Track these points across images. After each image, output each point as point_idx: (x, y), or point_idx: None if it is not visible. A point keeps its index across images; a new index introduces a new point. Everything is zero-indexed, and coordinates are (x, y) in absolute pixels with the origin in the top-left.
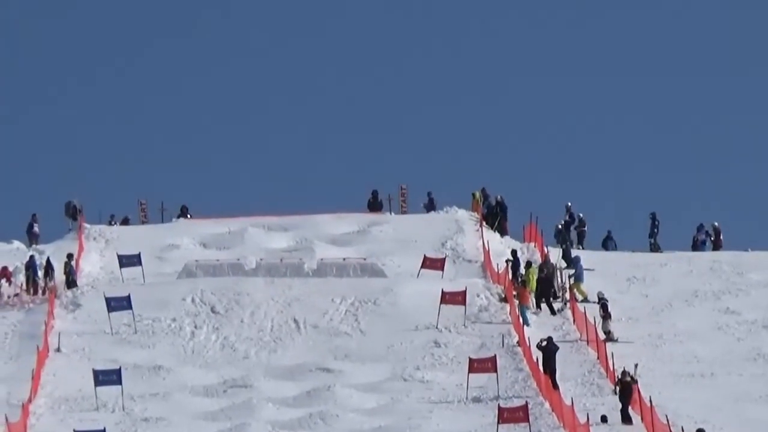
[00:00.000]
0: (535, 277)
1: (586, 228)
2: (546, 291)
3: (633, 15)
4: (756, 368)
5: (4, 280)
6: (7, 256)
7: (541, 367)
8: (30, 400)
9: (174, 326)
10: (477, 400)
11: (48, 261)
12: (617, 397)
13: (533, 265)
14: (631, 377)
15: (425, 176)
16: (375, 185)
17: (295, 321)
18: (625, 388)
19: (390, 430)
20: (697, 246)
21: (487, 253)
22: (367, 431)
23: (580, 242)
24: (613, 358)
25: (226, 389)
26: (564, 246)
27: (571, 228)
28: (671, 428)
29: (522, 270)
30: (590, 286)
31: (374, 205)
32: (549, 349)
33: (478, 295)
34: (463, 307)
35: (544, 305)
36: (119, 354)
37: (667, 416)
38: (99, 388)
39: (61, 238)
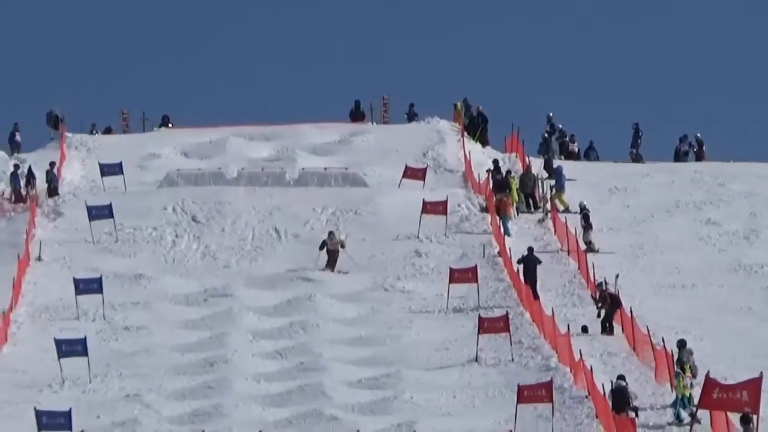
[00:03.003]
0: (516, 188)
1: (567, 138)
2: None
3: None
4: (737, 279)
5: None
6: None
7: (522, 278)
8: (11, 309)
9: (155, 235)
10: (457, 310)
11: (30, 170)
12: (599, 307)
13: (514, 175)
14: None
15: (407, 87)
16: (357, 96)
17: (276, 230)
18: (614, 299)
19: (370, 339)
20: (679, 157)
21: (468, 163)
22: (347, 340)
23: (562, 153)
24: (593, 268)
25: (206, 298)
26: (546, 156)
27: (553, 138)
28: (652, 339)
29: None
30: (572, 196)
31: (356, 115)
32: (530, 260)
33: (459, 205)
34: (444, 217)
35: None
36: (100, 262)
37: (647, 327)
38: (80, 297)
39: (42, 146)
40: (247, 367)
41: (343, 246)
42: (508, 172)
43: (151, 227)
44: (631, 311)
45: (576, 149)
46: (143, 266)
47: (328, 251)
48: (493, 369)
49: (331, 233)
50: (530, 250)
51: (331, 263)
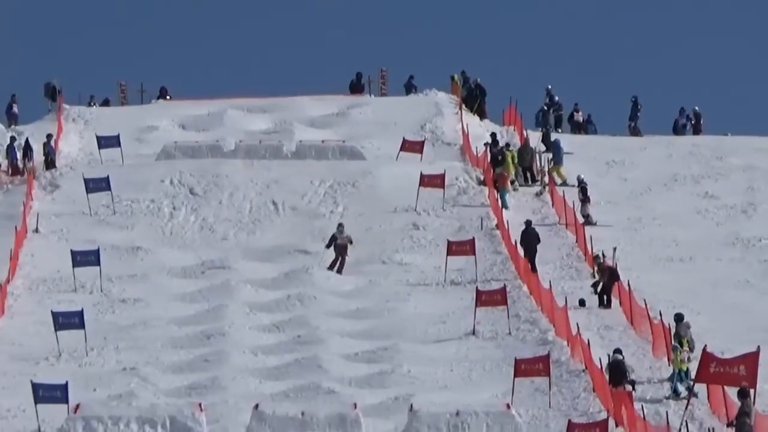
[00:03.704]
0: (515, 162)
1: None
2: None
3: None
4: (734, 253)
5: None
6: None
7: (521, 251)
8: (8, 281)
9: (152, 207)
10: (455, 283)
11: (27, 142)
12: (598, 281)
13: (512, 148)
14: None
15: (405, 59)
16: (355, 68)
17: (274, 203)
18: (612, 272)
19: (368, 312)
20: (677, 130)
21: (466, 136)
22: (344, 313)
23: (559, 126)
24: (591, 241)
25: (204, 271)
26: (544, 129)
27: (550, 111)
28: (649, 312)
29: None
30: (570, 169)
31: (355, 87)
32: (529, 232)
33: (456, 178)
34: (442, 190)
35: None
36: (97, 235)
37: (645, 300)
38: (77, 269)
39: (40, 119)
40: (244, 339)
41: (351, 242)
42: (507, 144)
43: (149, 200)
44: (628, 284)
45: (582, 118)
46: (140, 239)
47: (336, 246)
48: (491, 342)
49: (340, 225)
50: (528, 223)
51: (339, 262)
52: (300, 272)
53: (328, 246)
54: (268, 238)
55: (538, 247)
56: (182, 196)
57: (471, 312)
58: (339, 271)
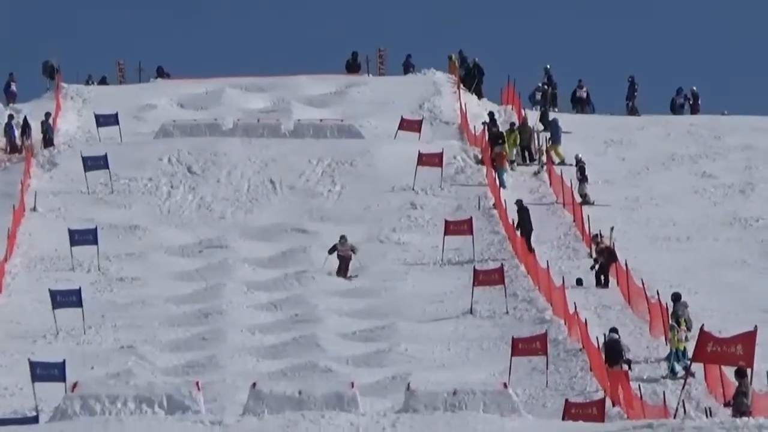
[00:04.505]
0: (518, 142)
1: (557, 90)
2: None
3: None
4: (732, 232)
5: None
6: None
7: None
8: (5, 260)
9: (150, 186)
10: (452, 262)
11: (25, 120)
12: (595, 261)
13: (516, 128)
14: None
15: (403, 39)
16: (353, 47)
17: (272, 182)
18: (609, 252)
19: (365, 291)
20: (675, 109)
21: (464, 115)
22: (342, 292)
23: (554, 104)
24: (589, 221)
25: (201, 249)
26: (543, 109)
27: (548, 89)
28: (646, 292)
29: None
30: (567, 148)
31: (353, 66)
32: (523, 211)
33: (454, 157)
34: (440, 169)
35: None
36: (95, 213)
37: (642, 280)
38: (75, 248)
39: (38, 97)
40: (242, 318)
41: (354, 251)
42: (512, 124)
43: (147, 178)
44: (626, 264)
45: (584, 95)
46: (138, 217)
47: (339, 256)
48: (488, 321)
49: (342, 237)
50: (519, 202)
51: (342, 270)
52: (297, 251)
53: (330, 253)
54: (266, 216)
55: (535, 225)
56: (180, 174)
57: (468, 291)
58: (344, 276)
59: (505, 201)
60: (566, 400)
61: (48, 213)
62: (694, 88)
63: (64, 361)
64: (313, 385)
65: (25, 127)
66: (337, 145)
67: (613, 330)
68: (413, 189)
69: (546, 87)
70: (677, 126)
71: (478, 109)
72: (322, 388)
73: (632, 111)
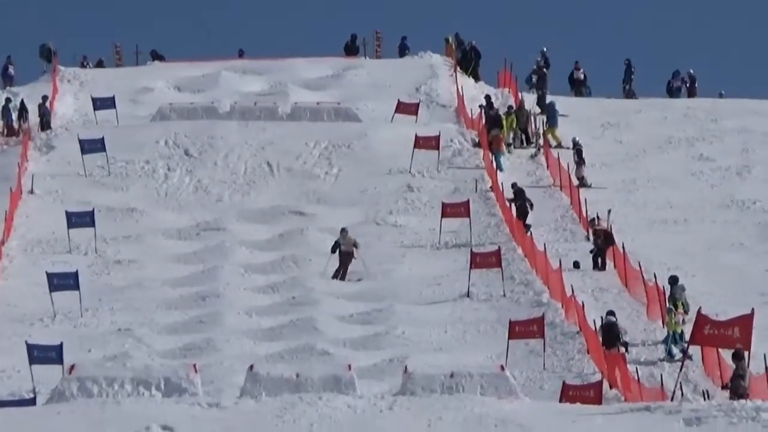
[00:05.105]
0: (514, 125)
1: (547, 71)
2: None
3: None
4: (729, 215)
5: None
6: None
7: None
8: (3, 242)
9: (147, 169)
10: (449, 245)
11: (22, 103)
12: (593, 244)
13: (512, 111)
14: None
15: (400, 22)
16: (350, 30)
17: (269, 164)
18: (607, 235)
19: (362, 273)
20: (671, 92)
21: (461, 98)
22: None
23: (544, 86)
24: (586, 204)
25: (199, 232)
26: (540, 92)
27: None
28: (644, 274)
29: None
30: (564, 131)
31: (351, 49)
32: (519, 194)
33: (451, 140)
34: (437, 151)
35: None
36: (92, 196)
37: (639, 263)
38: (72, 231)
39: (35, 80)
40: (239, 301)
41: (356, 246)
42: (510, 107)
43: (144, 161)
44: (623, 247)
45: (582, 76)
46: (135, 200)
47: (340, 253)
48: (485, 304)
49: (343, 230)
50: (514, 185)
51: (342, 270)
52: (295, 233)
53: (333, 251)
54: (263, 199)
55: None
56: (177, 157)
57: (465, 274)
58: (342, 278)
59: (502, 184)
60: (563, 383)
61: (45, 196)
62: (692, 71)
63: (62, 343)
64: (311, 367)
65: (23, 111)
66: (334, 128)
67: (611, 313)
68: (410, 172)
69: (544, 70)
70: (674, 109)
71: (475, 92)
72: (320, 371)
73: (629, 94)
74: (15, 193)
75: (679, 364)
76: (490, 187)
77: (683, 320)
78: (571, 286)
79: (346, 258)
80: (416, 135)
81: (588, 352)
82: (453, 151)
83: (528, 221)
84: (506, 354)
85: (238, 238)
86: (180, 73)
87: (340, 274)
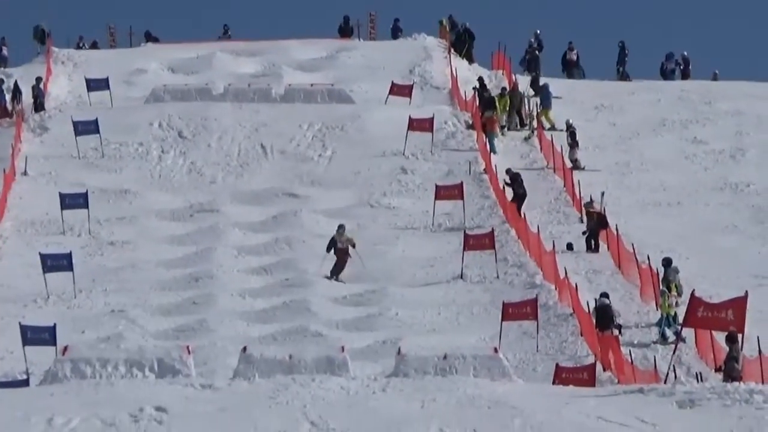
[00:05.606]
0: (508, 107)
1: (539, 53)
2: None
3: None
4: (722, 197)
5: None
6: None
7: (509, 195)
8: None
9: (141, 150)
10: (443, 227)
11: (16, 84)
12: (586, 226)
13: (505, 93)
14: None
15: (393, 3)
16: (343, 11)
17: (263, 146)
18: (600, 217)
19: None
20: (665, 75)
21: (454, 80)
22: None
23: (536, 68)
24: (579, 186)
25: (192, 214)
26: (534, 74)
27: (539, 54)
28: (637, 257)
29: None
30: (558, 114)
31: (345, 30)
32: (515, 179)
33: (445, 122)
34: (431, 134)
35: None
36: (86, 177)
37: (633, 245)
38: (65, 212)
39: (29, 61)
40: (233, 282)
41: (353, 245)
42: (504, 89)
43: (137, 143)
44: (617, 229)
45: (575, 57)
46: (129, 181)
47: (336, 251)
48: (478, 286)
49: (340, 227)
50: (508, 171)
51: (337, 268)
52: (288, 215)
53: (328, 250)
54: (257, 181)
55: (527, 190)
56: (171, 139)
57: (459, 256)
58: (336, 278)
59: (495, 166)
60: (557, 365)
61: (39, 177)
62: (686, 53)
63: (55, 325)
64: (304, 349)
65: (16, 92)
66: (327, 110)
67: (604, 295)
68: (404, 154)
69: (537, 52)
70: (668, 91)
71: (468, 74)
72: (313, 353)
73: (623, 76)
74: (8, 174)
75: (673, 346)
76: (484, 170)
77: (677, 302)
78: (565, 268)
79: (342, 255)
80: (410, 117)
81: (581, 334)
82: (447, 134)
83: (522, 209)
84: (499, 336)
85: (232, 220)
86: (174, 55)
87: (336, 273)
